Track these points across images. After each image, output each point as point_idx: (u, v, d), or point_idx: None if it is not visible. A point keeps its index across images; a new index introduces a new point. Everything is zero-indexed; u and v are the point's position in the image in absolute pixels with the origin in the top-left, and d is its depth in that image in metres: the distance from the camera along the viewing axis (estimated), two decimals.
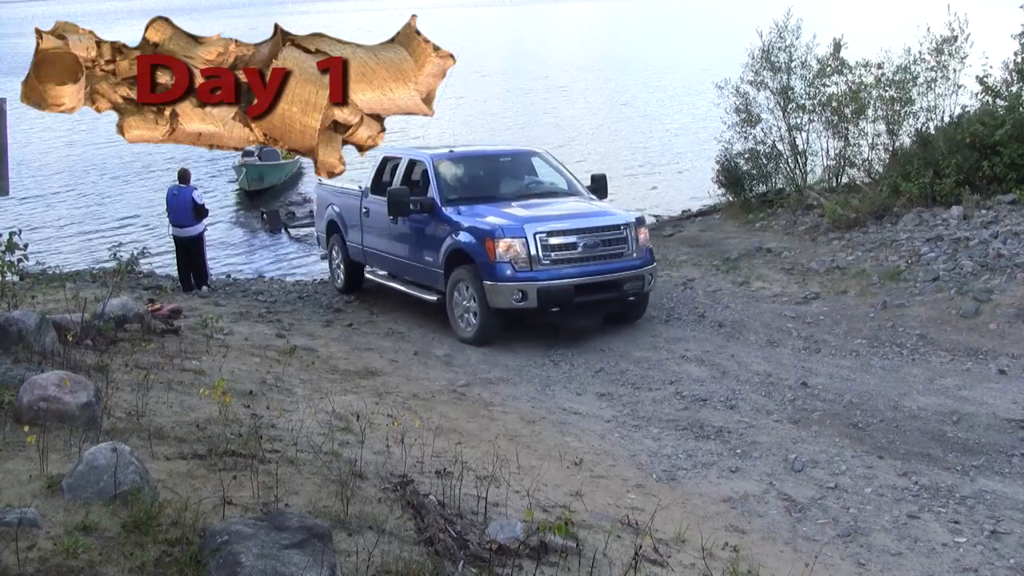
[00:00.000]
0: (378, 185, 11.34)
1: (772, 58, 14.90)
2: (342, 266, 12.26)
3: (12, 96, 4.76)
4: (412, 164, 10.92)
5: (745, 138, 15.13)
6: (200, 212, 12.79)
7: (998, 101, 12.57)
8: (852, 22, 21.19)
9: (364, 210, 11.42)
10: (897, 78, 13.84)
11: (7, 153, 6.85)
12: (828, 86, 14.50)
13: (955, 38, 13.54)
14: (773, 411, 7.21)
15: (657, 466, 6.24)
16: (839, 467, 6.08)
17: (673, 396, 7.69)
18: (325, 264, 15.33)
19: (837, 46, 14.43)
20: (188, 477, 4.07)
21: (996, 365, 7.95)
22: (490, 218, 9.51)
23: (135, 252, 8.66)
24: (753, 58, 15.07)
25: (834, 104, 14.28)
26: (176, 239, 12.89)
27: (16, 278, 7.62)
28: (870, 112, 14.15)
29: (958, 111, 13.30)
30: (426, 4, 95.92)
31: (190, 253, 12.88)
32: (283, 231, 17.85)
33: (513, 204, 9.94)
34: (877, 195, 12.57)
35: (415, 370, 8.57)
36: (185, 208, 12.63)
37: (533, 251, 9.11)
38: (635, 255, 9.54)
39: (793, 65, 14.80)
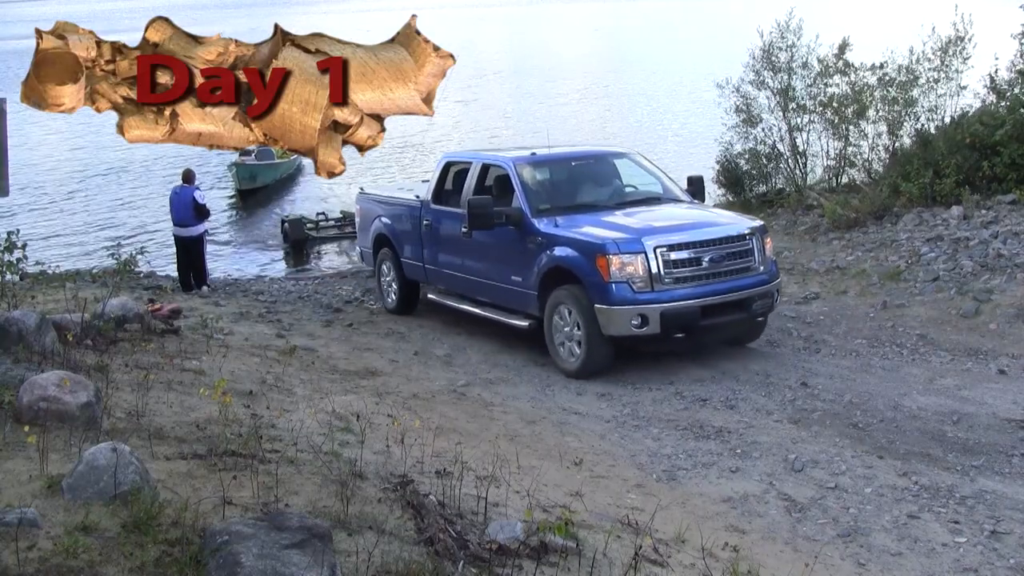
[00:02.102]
0: (440, 194, 10.15)
1: (773, 58, 14.91)
2: (394, 285, 10.99)
3: (12, 96, 4.76)
4: (486, 169, 9.64)
5: (745, 138, 15.14)
6: (201, 212, 12.80)
7: (1001, 102, 12.58)
8: (853, 22, 21.19)
9: (424, 223, 10.18)
10: (900, 79, 13.85)
11: (7, 153, 6.85)
12: (830, 86, 14.52)
13: (960, 39, 13.54)
14: (773, 411, 7.21)
15: (657, 466, 6.24)
16: (839, 467, 6.08)
17: (673, 396, 7.69)
18: (326, 264, 15.40)
19: (842, 47, 14.43)
20: (188, 477, 4.07)
21: (996, 365, 7.95)
22: (598, 230, 8.25)
23: (133, 251, 8.66)
24: (754, 58, 15.08)
25: (835, 105, 14.29)
26: (177, 239, 12.91)
27: (16, 278, 7.62)
28: (871, 113, 14.17)
29: (959, 111, 13.31)
30: (427, 4, 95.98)
31: (190, 253, 12.89)
32: (305, 245, 16.37)
33: (616, 213, 8.74)
34: (877, 195, 12.58)
35: (415, 370, 8.57)
36: (186, 208, 12.64)
37: (654, 268, 7.88)
38: (762, 268, 8.37)
39: (794, 65, 14.81)
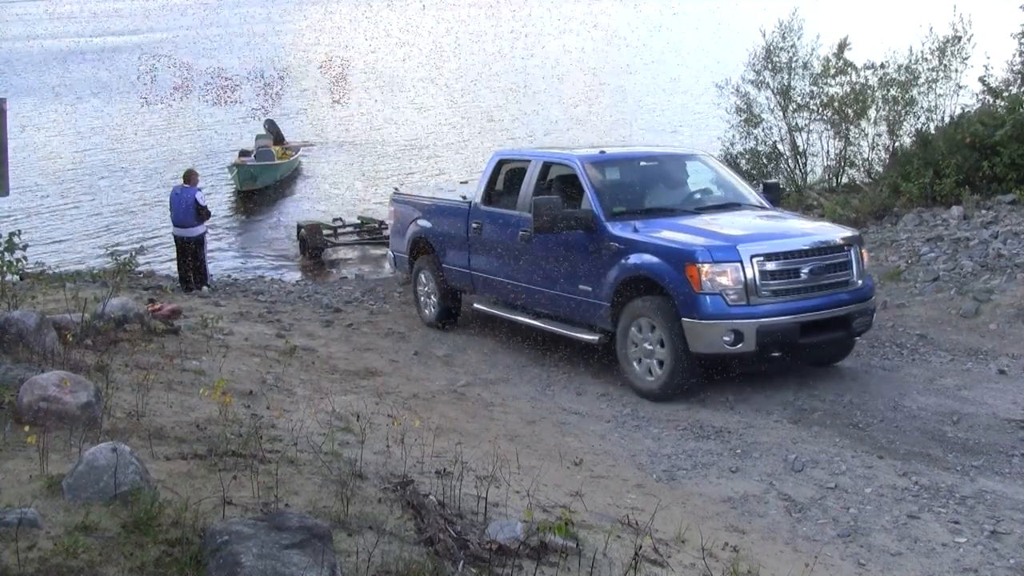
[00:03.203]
0: (492, 195, 9.44)
1: (774, 58, 14.93)
2: (435, 294, 10.17)
3: (12, 96, 4.76)
4: (547, 168, 8.93)
5: (746, 138, 15.16)
6: (202, 213, 12.82)
7: (999, 101, 12.59)
8: (853, 22, 21.19)
9: (473, 226, 9.43)
10: (900, 78, 13.87)
11: (7, 153, 6.86)
12: (831, 86, 14.54)
13: (959, 38, 13.56)
14: (773, 411, 7.21)
15: (657, 466, 6.24)
16: (839, 467, 6.08)
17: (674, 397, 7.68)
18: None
19: (842, 46, 14.45)
20: (188, 477, 4.07)
21: (996, 365, 7.95)
22: (685, 236, 7.53)
23: (133, 251, 8.66)
24: (755, 58, 15.10)
25: (836, 104, 14.30)
26: (178, 239, 12.91)
27: (16, 278, 7.62)
28: (872, 113, 14.19)
29: (959, 111, 13.32)
30: (428, 4, 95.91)
31: (191, 253, 12.90)
32: (322, 252, 15.36)
33: (699, 218, 8.04)
34: (877, 195, 12.59)
35: (415, 370, 8.57)
36: (187, 208, 12.66)
37: (750, 279, 7.15)
38: (860, 282, 7.66)
39: (795, 65, 14.83)
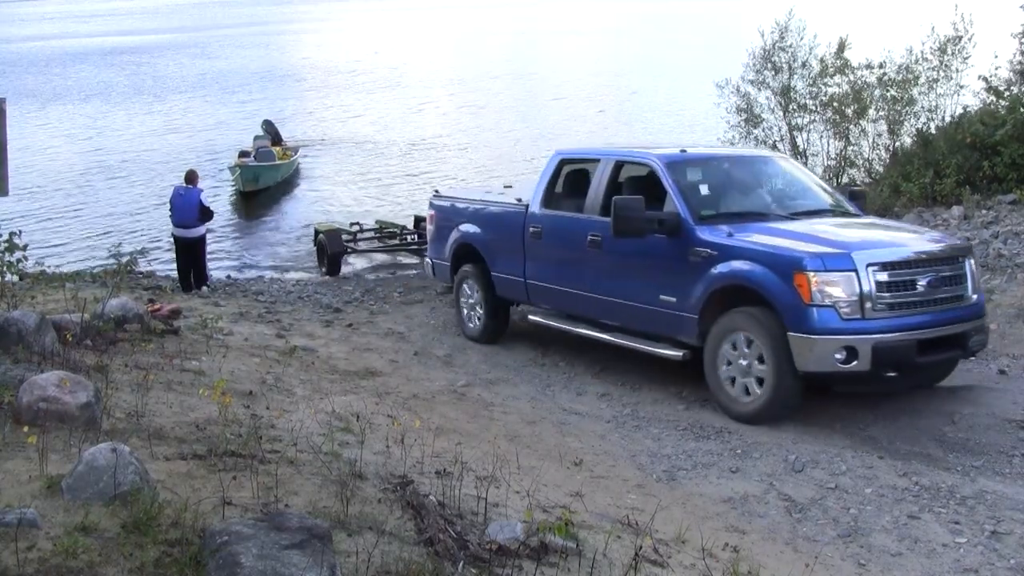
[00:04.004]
0: (552, 197, 8.80)
1: (773, 58, 14.94)
2: (481, 306, 9.48)
3: (11, 95, 4.76)
4: (619, 168, 8.29)
5: (746, 137, 15.16)
6: (206, 214, 12.85)
7: (1000, 101, 12.60)
8: (854, 22, 21.19)
9: (531, 230, 8.78)
10: (899, 78, 13.88)
11: (7, 153, 6.85)
12: (830, 86, 14.55)
13: (959, 38, 13.57)
14: None
15: (657, 466, 6.24)
16: (839, 467, 6.07)
17: (673, 396, 7.69)
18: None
19: (841, 45, 14.46)
20: (188, 477, 4.07)
21: (996, 365, 7.94)
22: (789, 242, 6.87)
23: (134, 252, 8.66)
24: (754, 58, 15.11)
25: (835, 104, 14.31)
26: (178, 239, 12.91)
27: (16, 278, 7.62)
28: (872, 112, 14.20)
29: (959, 111, 13.33)
30: (429, 4, 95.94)
31: (192, 254, 12.91)
32: (341, 259, 14.35)
33: (799, 222, 7.45)
34: (877, 195, 12.59)
35: (415, 370, 8.56)
36: (192, 209, 12.68)
37: (865, 290, 6.46)
38: (974, 296, 7.06)
39: (794, 65, 14.84)
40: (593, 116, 29.99)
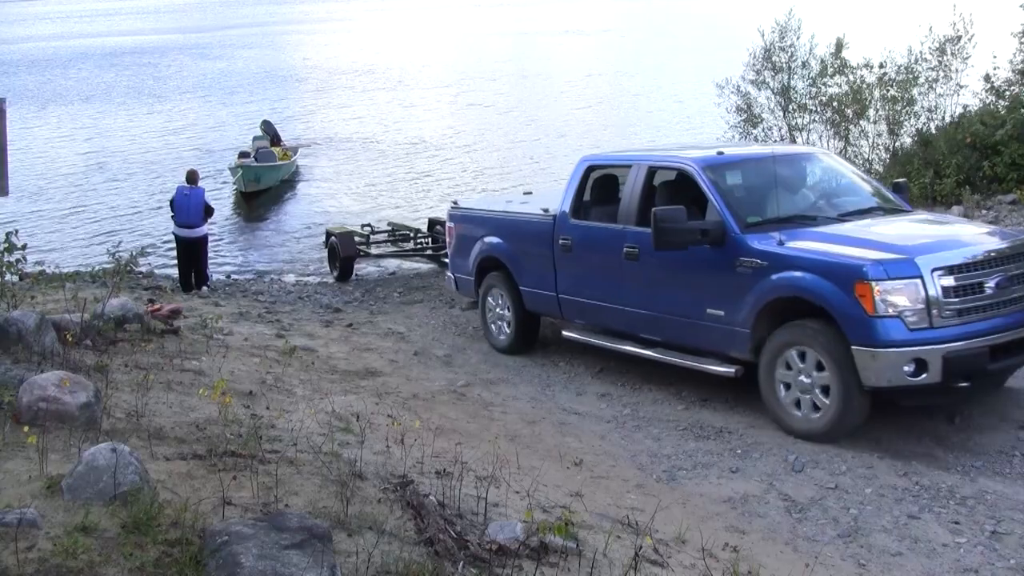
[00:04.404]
0: (581, 206, 8.38)
1: (773, 57, 14.95)
2: (510, 319, 9.10)
3: (11, 95, 4.76)
4: (652, 173, 7.82)
5: (746, 137, 15.15)
6: (209, 212, 12.89)
7: (1000, 101, 12.60)
8: (854, 22, 21.21)
9: (561, 242, 8.34)
10: (899, 78, 13.88)
11: (7, 153, 6.85)
12: (830, 86, 14.55)
13: (958, 38, 13.57)
14: None
15: (657, 466, 6.24)
16: (839, 467, 6.07)
17: (673, 396, 7.68)
18: (325, 263, 15.34)
19: (839, 45, 14.47)
20: (188, 477, 4.07)
21: None
22: (847, 248, 6.42)
23: (134, 252, 8.66)
24: (754, 57, 15.12)
25: (835, 104, 14.32)
26: (181, 239, 12.91)
27: (15, 278, 7.62)
28: (871, 112, 14.19)
29: (959, 111, 13.33)
30: (428, 4, 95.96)
31: (194, 254, 12.92)
32: (354, 262, 13.71)
33: (852, 225, 7.02)
34: None
35: (415, 370, 8.56)
36: (197, 209, 12.71)
37: (932, 296, 6.03)
38: None
39: (794, 65, 14.85)
40: (597, 116, 29.96)
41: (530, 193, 10.45)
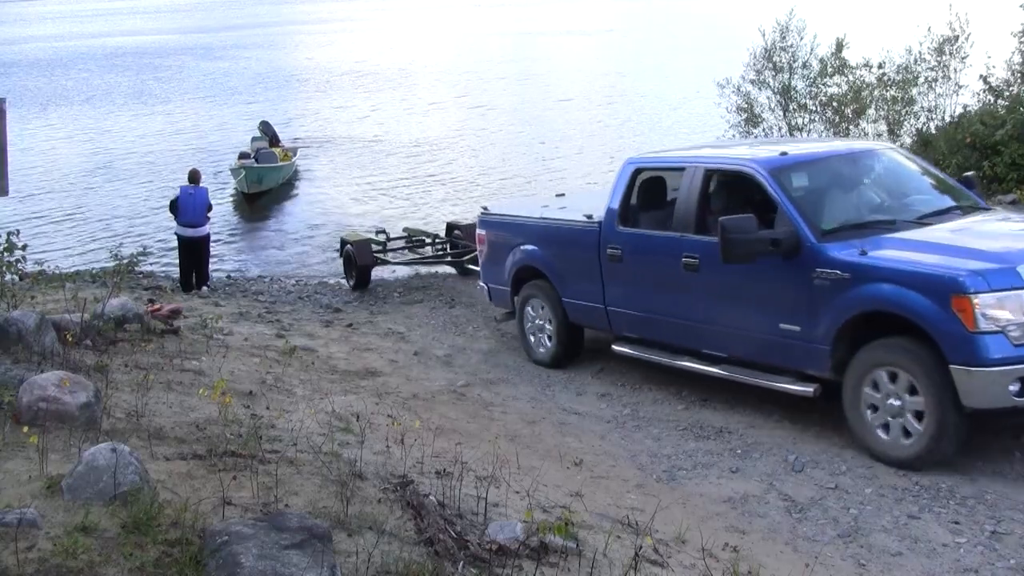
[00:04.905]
0: (628, 212, 7.85)
1: (774, 57, 14.96)
2: (552, 331, 8.59)
3: (12, 96, 4.76)
4: (710, 177, 7.29)
5: (746, 137, 15.16)
6: (209, 211, 12.92)
7: (999, 101, 12.60)
8: (853, 22, 21.21)
9: (609, 252, 7.82)
10: (898, 78, 13.89)
11: (7, 153, 6.86)
12: (830, 86, 14.56)
13: (956, 38, 13.58)
14: (773, 411, 7.20)
15: (657, 466, 6.24)
16: (839, 467, 6.08)
17: (673, 396, 7.68)
18: (326, 264, 15.33)
19: (839, 45, 14.48)
20: (188, 477, 4.07)
21: None
22: (938, 257, 5.93)
23: (135, 252, 8.67)
24: (755, 57, 15.13)
25: (835, 104, 14.33)
26: (183, 239, 12.90)
27: (15, 278, 7.62)
28: (871, 112, 14.20)
29: (959, 111, 13.34)
30: (429, 4, 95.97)
31: (197, 253, 12.91)
32: (370, 270, 12.90)
33: (936, 229, 6.49)
34: None
35: (415, 370, 8.56)
36: (201, 208, 12.72)
37: None
38: None
39: (795, 65, 14.86)
40: (600, 117, 29.94)
41: (563, 195, 10.05)
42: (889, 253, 6.10)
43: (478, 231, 9.65)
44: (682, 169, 7.52)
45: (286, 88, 40.39)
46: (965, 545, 5.03)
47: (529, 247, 8.68)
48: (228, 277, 14.49)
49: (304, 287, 13.36)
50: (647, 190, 7.94)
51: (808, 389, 6.48)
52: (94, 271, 12.91)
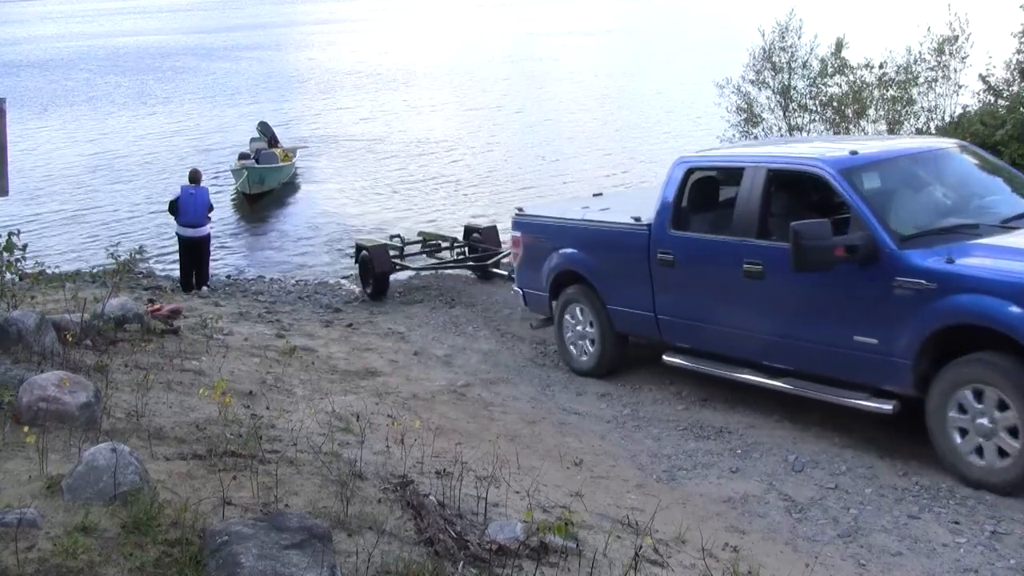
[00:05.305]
0: (680, 215, 7.41)
1: (774, 57, 14.96)
2: (595, 338, 8.17)
3: (13, 96, 4.76)
4: (773, 177, 6.82)
5: (746, 137, 15.16)
6: (210, 211, 12.93)
7: (999, 101, 12.60)
8: (853, 22, 21.21)
9: (660, 257, 7.42)
10: (899, 78, 13.89)
11: (7, 153, 6.86)
12: (830, 86, 14.56)
13: (956, 38, 13.59)
14: (773, 411, 7.21)
15: (657, 466, 6.24)
16: (839, 467, 6.08)
17: (673, 396, 7.69)
18: (326, 265, 15.32)
19: (839, 45, 14.48)
20: (188, 477, 4.07)
21: None
22: None
23: (133, 251, 8.66)
24: (754, 57, 15.14)
25: (835, 104, 14.33)
26: (184, 239, 12.89)
27: (15, 278, 7.62)
28: (871, 112, 14.20)
29: (959, 111, 13.34)
30: (430, 4, 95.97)
31: (197, 253, 12.91)
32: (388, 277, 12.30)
33: (1020, 234, 6.05)
34: None
35: (415, 370, 8.56)
36: (202, 208, 12.72)
37: None
38: None
39: (794, 65, 14.86)
40: (603, 117, 29.92)
41: (600, 195, 9.71)
42: (979, 261, 5.70)
43: (512, 233, 9.20)
44: (740, 169, 7.08)
45: (287, 89, 40.36)
46: (965, 545, 5.03)
47: (570, 250, 8.26)
48: (228, 277, 14.49)
49: (304, 287, 13.36)
50: (701, 191, 7.53)
51: (887, 406, 6.02)
52: (94, 271, 12.91)
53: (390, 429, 5.65)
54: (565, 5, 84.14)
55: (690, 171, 7.49)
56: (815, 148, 7.33)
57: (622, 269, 7.78)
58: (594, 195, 9.76)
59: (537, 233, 8.74)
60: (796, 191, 6.99)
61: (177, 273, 13.35)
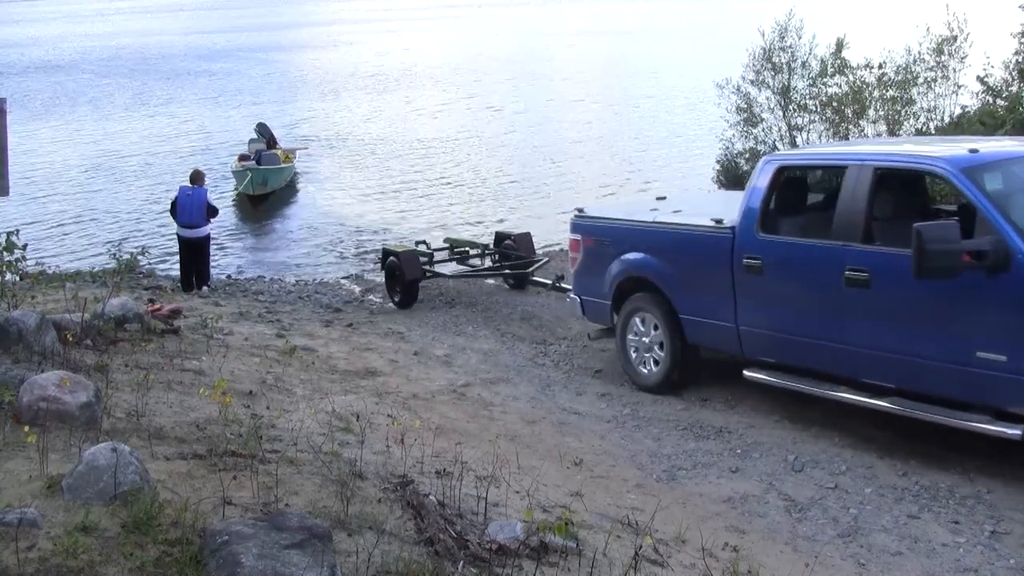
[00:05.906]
0: (770, 216, 6.87)
1: (774, 58, 14.96)
2: (665, 349, 7.62)
3: (14, 97, 4.77)
4: (883, 177, 6.31)
5: (746, 137, 15.17)
6: (212, 213, 12.91)
7: (998, 101, 12.60)
8: (853, 22, 21.21)
9: (745, 263, 6.82)
10: (898, 78, 13.90)
11: (7, 153, 6.86)
12: (830, 86, 14.56)
13: (954, 38, 13.59)
14: (773, 411, 7.21)
15: (657, 466, 6.25)
16: (839, 467, 6.08)
17: (673, 396, 7.68)
18: (326, 265, 15.34)
19: (839, 45, 14.48)
20: (188, 477, 4.07)
21: None
22: None
23: (135, 252, 8.66)
24: (754, 57, 15.14)
25: (835, 104, 14.33)
26: (184, 239, 12.90)
27: (16, 278, 7.62)
28: (871, 112, 14.21)
29: (958, 111, 13.35)
30: (431, 4, 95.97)
31: (197, 253, 12.91)
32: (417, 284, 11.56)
33: None
34: None
35: (415, 370, 8.56)
36: (200, 209, 12.71)
37: None
38: None
39: (794, 65, 14.87)
40: (607, 118, 29.91)
41: (663, 198, 9.07)
42: None
43: (571, 236, 8.59)
44: (842, 168, 6.53)
45: (289, 90, 40.36)
46: (965, 545, 5.04)
47: (638, 255, 7.69)
48: (228, 277, 14.50)
49: (304, 287, 13.36)
50: (792, 192, 7.07)
51: (1016, 431, 5.42)
52: (94, 271, 12.91)
53: (390, 429, 5.65)
54: (565, 5, 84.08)
55: (781, 170, 6.98)
56: (927, 148, 6.68)
57: (699, 276, 7.21)
58: (658, 198, 9.20)
59: (600, 236, 8.14)
60: (906, 191, 6.53)
61: (177, 273, 13.36)
